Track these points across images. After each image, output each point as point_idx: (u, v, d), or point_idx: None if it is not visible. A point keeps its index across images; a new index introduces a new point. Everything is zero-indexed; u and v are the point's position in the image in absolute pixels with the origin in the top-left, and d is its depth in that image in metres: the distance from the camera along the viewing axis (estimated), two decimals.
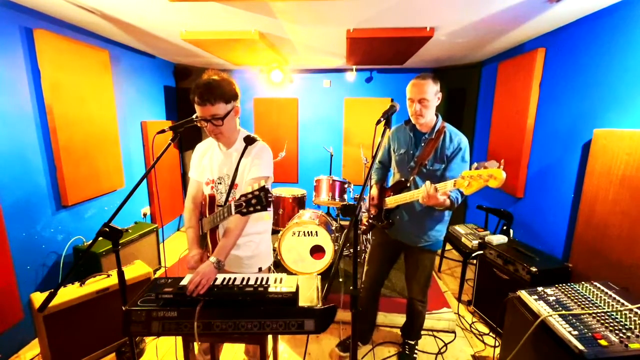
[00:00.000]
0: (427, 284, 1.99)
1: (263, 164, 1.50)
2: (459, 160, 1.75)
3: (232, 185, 1.50)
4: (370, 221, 2.04)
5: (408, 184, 1.82)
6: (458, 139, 1.76)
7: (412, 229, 1.88)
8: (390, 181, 2.02)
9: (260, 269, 1.66)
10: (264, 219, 1.67)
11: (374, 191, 1.98)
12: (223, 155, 1.57)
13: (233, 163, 1.51)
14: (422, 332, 2.26)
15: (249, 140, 1.49)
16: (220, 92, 1.38)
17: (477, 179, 1.40)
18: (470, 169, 1.44)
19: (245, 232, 1.55)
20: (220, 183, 1.57)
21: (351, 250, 3.35)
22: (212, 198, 1.53)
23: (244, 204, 1.20)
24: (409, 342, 2.18)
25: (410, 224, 1.87)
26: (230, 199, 1.50)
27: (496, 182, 1.35)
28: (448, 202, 1.63)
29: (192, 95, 1.39)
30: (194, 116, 1.44)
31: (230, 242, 1.43)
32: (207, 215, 1.52)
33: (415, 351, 2.18)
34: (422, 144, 1.81)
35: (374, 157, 1.34)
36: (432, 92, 1.71)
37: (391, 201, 1.85)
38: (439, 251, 2.07)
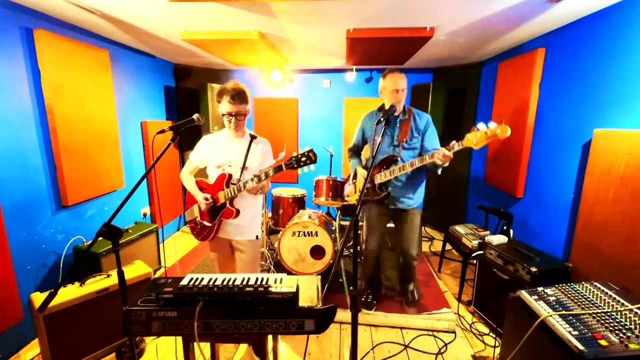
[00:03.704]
0: (420, 241, 2.34)
1: (271, 157, 2.05)
2: (431, 131, 2.26)
3: (244, 167, 1.92)
4: (364, 197, 2.15)
5: (396, 158, 2.23)
6: (425, 115, 2.28)
7: (406, 192, 2.29)
8: (373, 160, 2.13)
9: (257, 237, 2.04)
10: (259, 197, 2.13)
11: (363, 172, 2.39)
12: (233, 143, 1.97)
13: (242, 150, 1.94)
14: (422, 332, 2.30)
15: (253, 136, 1.99)
16: (245, 96, 1.86)
17: (484, 135, 1.84)
18: (470, 131, 1.90)
19: (246, 205, 1.97)
20: (230, 165, 1.94)
21: (351, 250, 3.35)
22: (229, 176, 1.91)
23: (294, 162, 1.73)
24: (407, 286, 2.53)
25: (404, 189, 2.29)
26: (240, 178, 1.91)
27: (503, 133, 1.77)
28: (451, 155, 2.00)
29: (222, 96, 1.81)
30: (193, 116, 1.46)
31: (267, 187, 1.96)
32: (225, 189, 1.89)
33: (414, 291, 2.56)
34: (398, 125, 2.25)
35: (374, 157, 1.48)
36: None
37: (386, 175, 2.21)
38: (423, 211, 2.51)
